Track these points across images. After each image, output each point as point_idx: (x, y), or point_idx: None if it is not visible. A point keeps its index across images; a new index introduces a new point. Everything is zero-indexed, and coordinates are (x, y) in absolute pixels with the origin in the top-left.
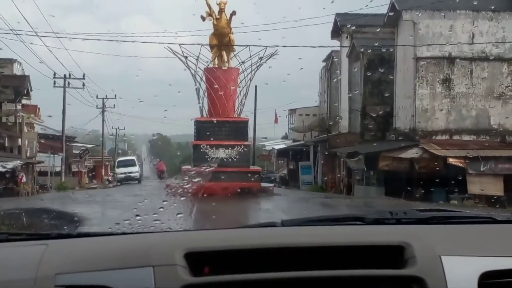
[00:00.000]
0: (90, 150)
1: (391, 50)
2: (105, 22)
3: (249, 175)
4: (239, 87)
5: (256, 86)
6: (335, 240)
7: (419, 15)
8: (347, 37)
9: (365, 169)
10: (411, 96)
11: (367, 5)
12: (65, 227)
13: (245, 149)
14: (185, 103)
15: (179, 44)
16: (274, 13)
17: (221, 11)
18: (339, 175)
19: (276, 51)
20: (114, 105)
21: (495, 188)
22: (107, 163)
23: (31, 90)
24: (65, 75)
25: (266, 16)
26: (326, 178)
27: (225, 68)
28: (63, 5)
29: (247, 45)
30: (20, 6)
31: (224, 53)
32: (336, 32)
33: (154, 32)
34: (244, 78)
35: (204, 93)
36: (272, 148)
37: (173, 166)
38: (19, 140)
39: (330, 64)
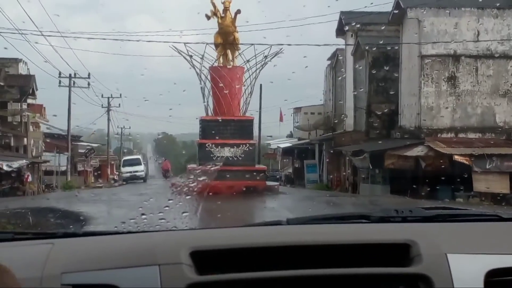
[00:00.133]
0: (96, 149)
1: (396, 48)
2: (110, 21)
3: (254, 173)
4: (244, 85)
5: (261, 85)
6: (341, 238)
7: (424, 12)
8: (352, 35)
9: (371, 167)
10: (416, 94)
11: (372, 3)
12: (71, 226)
13: (250, 148)
14: (190, 102)
15: (184, 43)
16: (279, 11)
17: (225, 9)
18: (344, 174)
19: (281, 49)
20: (119, 104)
21: (501, 186)
22: (112, 162)
23: (37, 89)
24: (70, 74)
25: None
26: (331, 177)
27: (230, 66)
28: (68, 5)
29: (252, 44)
30: (25, 5)
31: (229, 51)
32: (341, 30)
33: (159, 31)
34: (249, 76)
35: (209, 92)
36: (277, 146)
37: (179, 165)
38: (25, 139)
39: (335, 62)
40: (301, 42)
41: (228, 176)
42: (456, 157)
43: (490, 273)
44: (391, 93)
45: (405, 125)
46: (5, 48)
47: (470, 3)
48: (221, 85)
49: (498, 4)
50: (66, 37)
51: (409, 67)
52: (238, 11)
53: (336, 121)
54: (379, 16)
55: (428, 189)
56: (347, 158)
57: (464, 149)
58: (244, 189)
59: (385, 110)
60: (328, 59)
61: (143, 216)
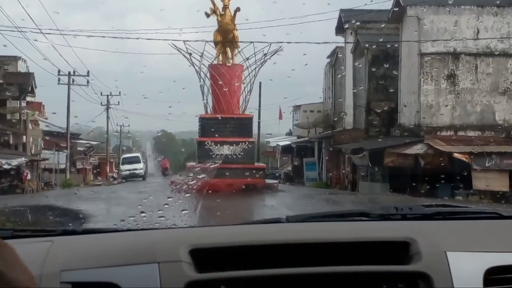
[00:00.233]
0: (95, 147)
1: (396, 46)
2: (109, 19)
3: (254, 171)
4: (244, 83)
5: (260, 83)
6: (340, 236)
7: (424, 10)
8: (351, 33)
9: (370, 165)
10: (415, 92)
11: (371, 1)
12: (70, 224)
13: (250, 146)
14: (189, 99)
15: (184, 41)
16: (279, 9)
17: (225, 7)
18: (343, 171)
19: (280, 47)
20: (118, 102)
21: (500, 184)
22: (111, 160)
23: (36, 87)
24: (69, 72)
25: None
26: (330, 175)
27: (230, 64)
28: (68, 2)
29: (252, 42)
30: (24, 3)
31: (228, 49)
32: (341, 28)
33: (158, 29)
34: (249, 74)
35: (208, 90)
36: (277, 144)
37: (178, 163)
38: (24, 137)
39: (335, 60)
40: (301, 40)
41: (227, 174)
42: (456, 155)
43: (489, 271)
44: (390, 91)
45: (404, 123)
46: (4, 45)
47: (470, 1)
48: (221, 83)
49: (498, 2)
50: (65, 35)
51: (408, 65)
52: (238, 9)
53: (335, 119)
54: (379, 14)
55: (428, 187)
56: (347, 156)
57: (463, 147)
58: (243, 187)
59: (385, 108)
60: (328, 57)
61: (143, 214)
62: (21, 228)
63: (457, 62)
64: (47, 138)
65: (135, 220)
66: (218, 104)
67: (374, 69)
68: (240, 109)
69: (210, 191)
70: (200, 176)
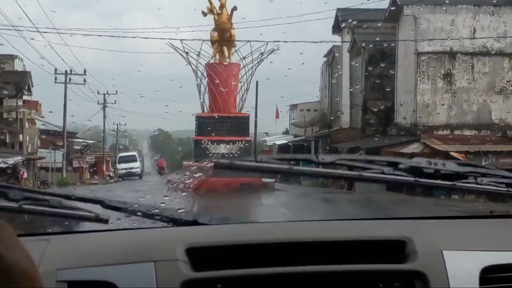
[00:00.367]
0: (91, 145)
1: (392, 45)
2: (106, 17)
3: None
4: (240, 82)
5: (257, 82)
6: (337, 234)
7: (421, 9)
8: (348, 32)
9: None
10: (412, 91)
11: (368, 0)
12: (66, 223)
13: (246, 145)
14: (186, 98)
15: (180, 40)
16: (275, 8)
17: (222, 6)
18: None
19: (277, 46)
20: (115, 101)
21: None
22: (108, 159)
23: (32, 86)
24: (66, 71)
25: (267, 11)
26: None
27: (226, 63)
28: (65, 1)
29: (248, 41)
30: (21, 1)
31: (225, 48)
32: (337, 27)
33: (155, 27)
34: (245, 73)
35: (205, 89)
36: (273, 143)
37: (175, 162)
38: (20, 136)
39: (331, 59)
40: (298, 39)
41: (224, 173)
42: (452, 154)
43: (485, 269)
44: (387, 90)
45: (401, 122)
46: (1, 44)
47: (466, 0)
48: (217, 81)
49: (494, 1)
50: (62, 33)
51: (405, 64)
52: (235, 8)
53: (332, 118)
54: (376, 13)
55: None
56: (343, 155)
57: (460, 146)
58: (240, 186)
59: (381, 107)
60: (325, 56)
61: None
62: (17, 227)
63: (453, 61)
64: (43, 136)
65: (131, 219)
66: (215, 103)
67: (371, 68)
68: (237, 108)
69: (206, 190)
70: (197, 175)
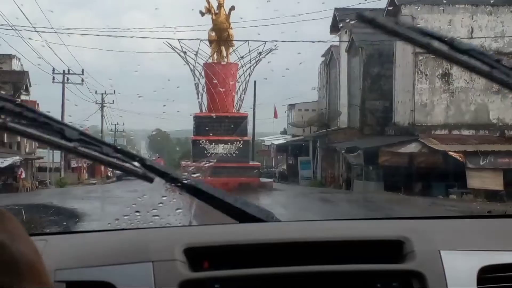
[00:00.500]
0: None
1: (390, 45)
2: (104, 17)
3: (248, 170)
4: (238, 82)
5: (255, 81)
6: (334, 234)
7: (418, 9)
8: (346, 32)
9: (364, 164)
10: (410, 90)
11: (366, 0)
12: (65, 223)
13: (244, 144)
14: (184, 98)
15: (178, 40)
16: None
17: (220, 6)
18: (338, 170)
19: (275, 46)
20: (113, 101)
21: (495, 183)
22: None
23: (30, 85)
24: (64, 71)
25: (265, 11)
26: (325, 173)
27: (224, 63)
28: (62, 0)
29: (246, 40)
30: (18, 1)
31: (223, 48)
32: (335, 27)
33: (153, 27)
34: (243, 73)
35: (203, 89)
36: (271, 143)
37: (173, 162)
38: (18, 136)
39: (329, 59)
40: (295, 39)
41: (222, 172)
42: (450, 154)
43: (483, 269)
44: (385, 89)
45: (399, 122)
46: None
47: (464, 0)
48: (215, 81)
49: (492, 1)
50: (60, 33)
51: (403, 64)
52: (232, 8)
53: (330, 117)
54: (374, 13)
55: (422, 185)
56: (341, 154)
57: (458, 145)
58: (238, 185)
59: (379, 107)
60: (322, 56)
61: (137, 213)
62: None
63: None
64: None
65: (130, 219)
66: (213, 103)
67: (369, 68)
68: (235, 107)
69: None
70: (195, 175)
